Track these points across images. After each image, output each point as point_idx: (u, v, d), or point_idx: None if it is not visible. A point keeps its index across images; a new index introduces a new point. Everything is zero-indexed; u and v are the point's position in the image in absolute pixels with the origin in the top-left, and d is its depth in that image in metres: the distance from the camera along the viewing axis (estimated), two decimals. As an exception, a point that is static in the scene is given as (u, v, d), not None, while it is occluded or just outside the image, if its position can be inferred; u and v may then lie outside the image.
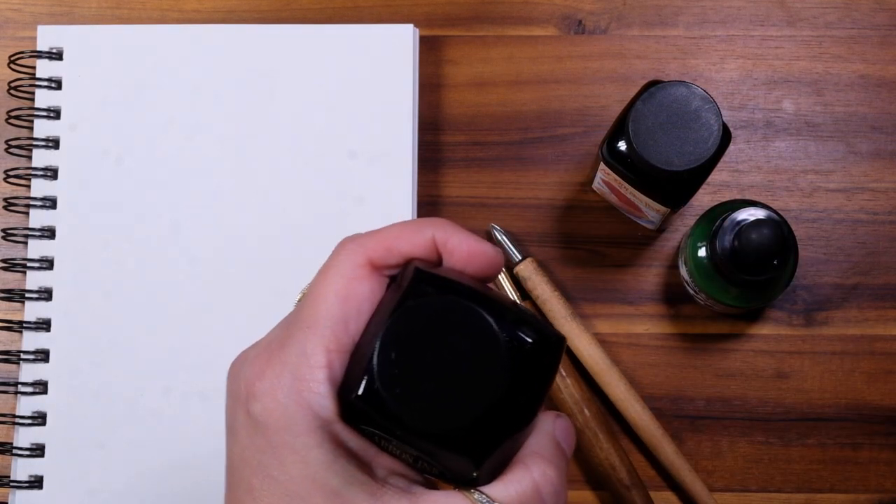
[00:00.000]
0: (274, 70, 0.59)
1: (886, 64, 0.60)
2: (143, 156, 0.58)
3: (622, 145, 0.50)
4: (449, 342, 0.32)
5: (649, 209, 0.53)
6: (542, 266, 0.58)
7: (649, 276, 0.59)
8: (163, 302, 0.57)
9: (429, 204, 0.59)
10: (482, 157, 0.60)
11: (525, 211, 0.59)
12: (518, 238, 0.59)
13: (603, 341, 0.58)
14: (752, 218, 0.49)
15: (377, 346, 0.32)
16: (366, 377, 0.32)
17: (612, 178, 0.52)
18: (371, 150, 0.58)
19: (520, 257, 0.57)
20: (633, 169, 0.50)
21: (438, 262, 0.35)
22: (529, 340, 0.33)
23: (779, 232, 0.48)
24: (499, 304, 0.33)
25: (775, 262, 0.49)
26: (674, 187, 0.51)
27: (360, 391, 0.32)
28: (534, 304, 0.57)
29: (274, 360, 0.33)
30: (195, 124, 0.58)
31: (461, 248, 0.35)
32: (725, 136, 0.50)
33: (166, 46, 0.59)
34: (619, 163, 0.51)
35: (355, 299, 0.34)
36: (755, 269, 0.50)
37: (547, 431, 0.35)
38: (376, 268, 0.35)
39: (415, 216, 0.58)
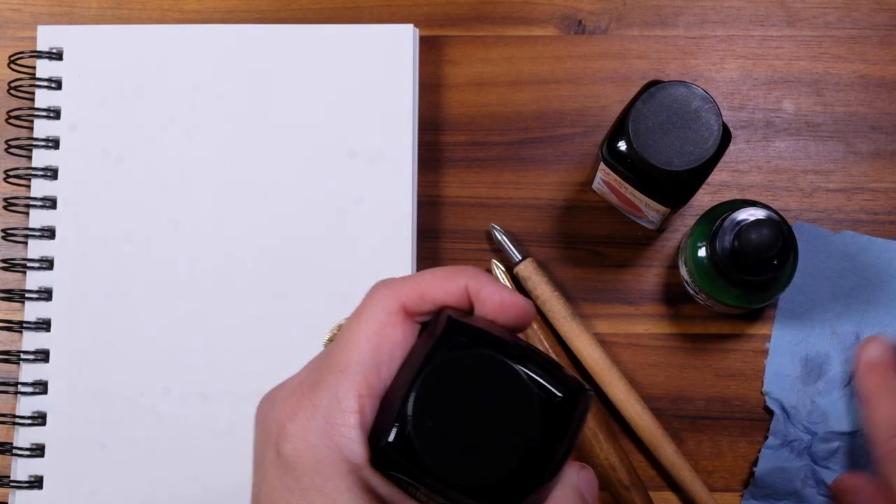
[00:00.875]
0: (274, 70, 0.59)
1: (886, 64, 0.60)
2: (143, 156, 0.58)
3: (622, 145, 0.50)
4: (481, 395, 0.32)
5: (649, 209, 0.53)
6: (542, 266, 0.58)
7: (649, 276, 0.59)
8: (162, 302, 0.57)
9: (429, 204, 0.59)
10: (482, 157, 0.60)
11: (525, 211, 0.59)
12: (518, 238, 0.59)
13: (603, 341, 0.58)
14: (752, 218, 0.49)
15: (410, 395, 0.32)
16: (397, 425, 0.32)
17: (612, 178, 0.52)
18: (371, 150, 0.58)
19: (520, 257, 0.57)
20: (633, 169, 0.50)
21: (470, 310, 0.36)
22: (560, 395, 0.33)
23: (779, 232, 0.48)
24: (530, 356, 0.34)
25: (775, 262, 0.49)
26: (674, 187, 0.51)
27: (391, 438, 0.32)
28: (534, 303, 0.57)
29: (305, 401, 0.34)
30: (195, 124, 0.58)
31: (493, 299, 0.35)
32: (725, 136, 0.50)
33: (166, 46, 0.59)
34: (619, 163, 0.51)
35: (388, 345, 0.34)
36: (755, 269, 0.50)
37: (571, 483, 0.35)
38: (409, 314, 0.35)
39: (415, 216, 0.58)
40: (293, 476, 0.33)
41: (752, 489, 0.56)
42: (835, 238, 0.57)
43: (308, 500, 0.33)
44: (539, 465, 0.33)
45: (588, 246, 0.59)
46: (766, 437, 0.56)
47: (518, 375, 0.32)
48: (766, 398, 0.56)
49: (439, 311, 0.35)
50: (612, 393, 0.56)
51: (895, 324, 0.56)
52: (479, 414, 0.32)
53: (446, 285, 0.36)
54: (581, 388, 0.34)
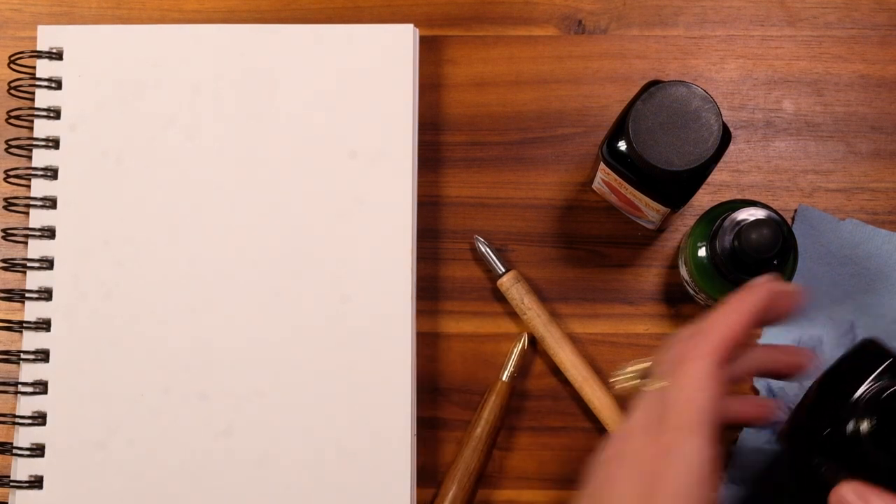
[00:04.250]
0: (274, 70, 0.59)
1: (886, 64, 0.60)
2: (143, 156, 0.58)
3: (622, 145, 0.50)
4: None
5: (649, 209, 0.53)
6: (525, 278, 0.58)
7: (649, 276, 0.59)
8: (162, 302, 0.57)
9: (429, 204, 0.59)
10: (482, 157, 0.60)
11: (525, 211, 0.59)
12: (516, 238, 0.59)
13: (603, 341, 0.58)
14: (752, 218, 0.49)
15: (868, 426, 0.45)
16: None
17: (612, 178, 0.52)
18: (371, 150, 0.58)
19: (503, 270, 0.57)
20: (633, 169, 0.50)
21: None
22: None
23: (779, 232, 0.48)
24: None
25: (775, 262, 0.49)
26: (674, 187, 0.51)
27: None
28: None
29: (663, 462, 0.41)
30: (195, 124, 0.58)
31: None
32: (725, 136, 0.50)
33: (166, 46, 0.59)
34: (619, 163, 0.51)
35: (720, 404, 0.42)
36: (755, 269, 0.50)
37: None
38: (722, 368, 0.42)
39: (415, 216, 0.58)
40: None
41: (730, 472, 0.56)
42: (839, 225, 0.57)
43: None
44: None
45: (588, 246, 0.59)
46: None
47: None
48: (754, 377, 0.56)
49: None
50: (590, 399, 0.56)
51: (891, 315, 0.56)
52: None
53: (741, 325, 0.43)
54: None
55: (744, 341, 0.43)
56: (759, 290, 0.44)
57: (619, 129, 0.51)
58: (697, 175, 0.50)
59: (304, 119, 0.58)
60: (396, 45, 0.59)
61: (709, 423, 0.41)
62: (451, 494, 0.55)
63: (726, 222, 0.50)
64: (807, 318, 0.57)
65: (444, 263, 0.59)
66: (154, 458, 0.56)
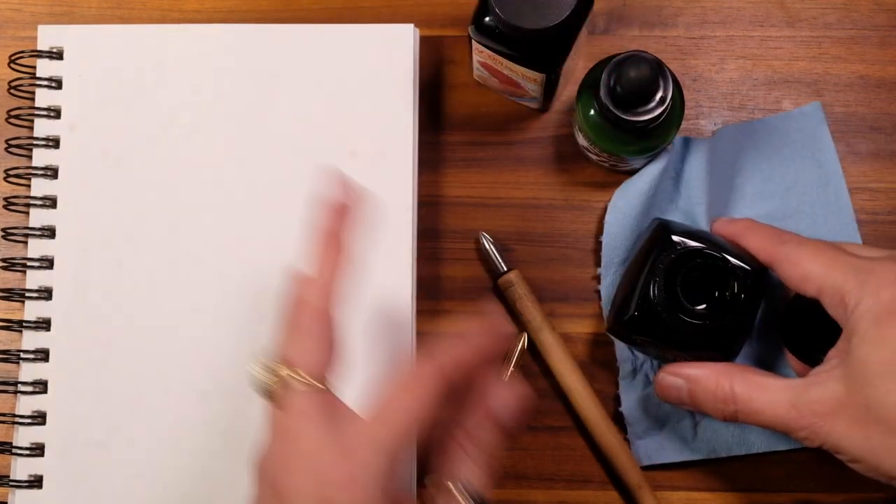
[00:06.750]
0: (274, 70, 0.59)
1: (886, 64, 0.60)
2: (143, 156, 0.58)
3: (489, 20, 0.52)
4: None
5: (527, 81, 0.54)
6: (525, 278, 0.58)
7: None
8: (163, 302, 0.57)
9: (429, 204, 0.59)
10: (482, 157, 0.60)
11: (525, 211, 0.59)
12: (516, 238, 0.59)
13: (602, 341, 0.58)
14: (625, 58, 0.51)
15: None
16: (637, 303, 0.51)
17: (486, 55, 0.53)
18: (371, 150, 0.58)
19: (504, 269, 0.57)
20: (502, 39, 0.52)
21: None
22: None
23: (653, 63, 0.50)
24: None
25: (661, 98, 0.51)
26: (542, 50, 0.52)
27: (636, 313, 0.51)
28: (513, 312, 0.57)
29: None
30: (195, 124, 0.58)
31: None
32: None
33: (166, 46, 0.59)
34: (488, 36, 0.52)
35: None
36: (640, 104, 0.51)
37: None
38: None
39: (415, 216, 0.58)
40: None
41: (631, 430, 0.56)
42: (721, 132, 0.58)
43: None
44: None
45: (587, 246, 0.59)
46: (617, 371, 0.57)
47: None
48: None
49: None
50: (577, 403, 0.56)
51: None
52: None
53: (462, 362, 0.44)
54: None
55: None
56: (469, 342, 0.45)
57: (484, 4, 0.52)
58: (563, 35, 0.51)
59: (304, 119, 0.58)
60: (396, 45, 0.59)
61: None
62: None
63: (605, 72, 0.51)
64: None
65: (445, 263, 0.59)
66: (154, 458, 0.56)
